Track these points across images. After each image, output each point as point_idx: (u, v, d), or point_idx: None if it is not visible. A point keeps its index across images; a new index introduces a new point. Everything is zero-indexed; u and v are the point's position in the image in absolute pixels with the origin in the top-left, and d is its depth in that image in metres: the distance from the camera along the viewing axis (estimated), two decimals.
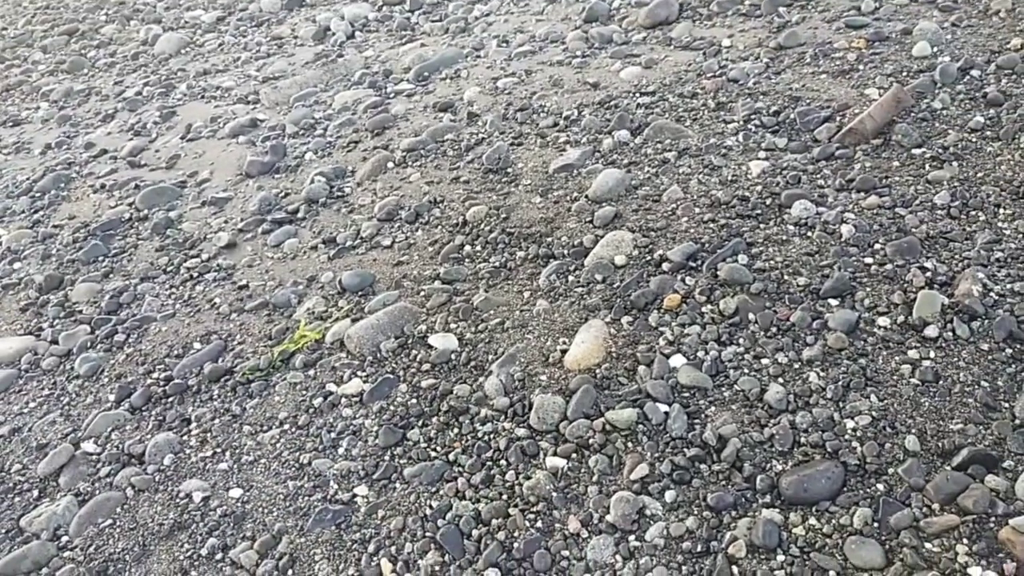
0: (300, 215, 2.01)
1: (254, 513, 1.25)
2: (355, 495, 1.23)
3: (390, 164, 2.12)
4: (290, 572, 1.14)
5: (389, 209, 1.90)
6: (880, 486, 1.04)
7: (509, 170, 1.94)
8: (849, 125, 1.73)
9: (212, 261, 1.93)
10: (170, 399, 1.53)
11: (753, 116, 1.85)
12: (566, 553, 1.06)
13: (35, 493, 1.40)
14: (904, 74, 1.95)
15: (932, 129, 1.71)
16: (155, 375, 1.60)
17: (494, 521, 1.12)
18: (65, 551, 1.27)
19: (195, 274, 1.89)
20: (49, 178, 2.52)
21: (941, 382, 1.15)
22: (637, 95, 2.15)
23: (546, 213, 1.73)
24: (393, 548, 1.13)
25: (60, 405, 1.59)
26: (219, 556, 1.20)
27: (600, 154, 1.87)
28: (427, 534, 1.13)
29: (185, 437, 1.43)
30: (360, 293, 1.67)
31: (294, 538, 1.19)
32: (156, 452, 1.41)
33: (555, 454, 1.20)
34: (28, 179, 2.59)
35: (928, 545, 0.96)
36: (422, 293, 1.62)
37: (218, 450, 1.39)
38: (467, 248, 1.70)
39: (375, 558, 1.12)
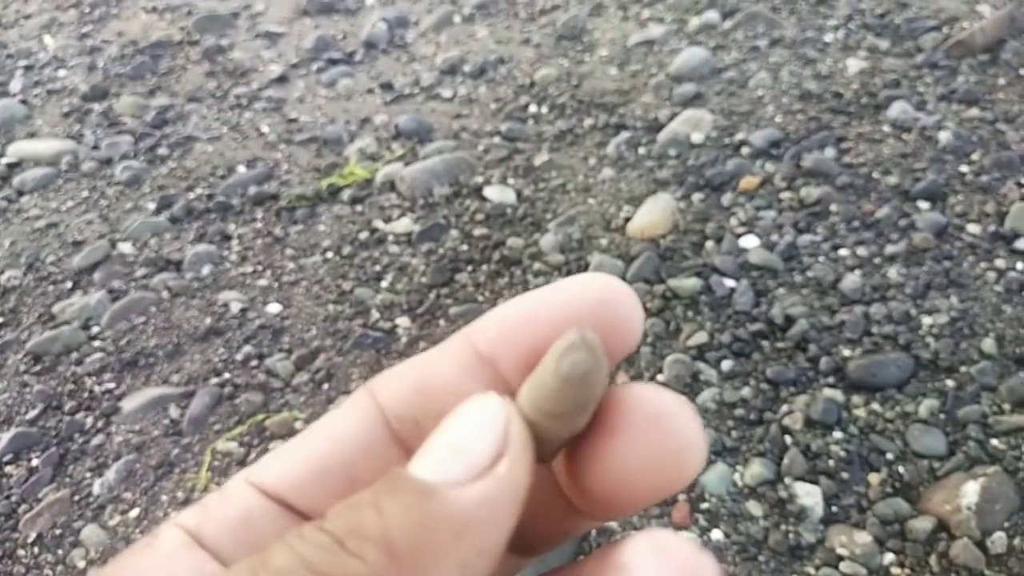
0: (358, 58, 1.92)
1: (292, 329, 1.22)
2: (396, 325, 1.20)
3: (457, 18, 2.00)
4: (326, 386, 1.12)
5: (453, 62, 1.81)
6: (950, 382, 0.99)
7: (585, 39, 1.82)
8: (958, 37, 1.61)
9: (263, 92, 1.85)
10: (212, 215, 1.49)
11: (856, 15, 1.72)
12: None
13: (68, 285, 1.38)
14: None
15: None
16: (198, 191, 1.55)
17: None
18: (95, 340, 1.26)
19: (244, 102, 1.82)
20: None
21: None
22: None
23: (621, 85, 1.64)
24: None
25: (98, 207, 1.55)
26: (254, 363, 1.17)
27: (685, 34, 1.76)
28: None
29: (226, 252, 1.40)
30: (415, 139, 1.60)
31: (332, 356, 1.17)
32: (195, 261, 1.37)
33: None
34: None
35: (994, 441, 0.92)
36: (481, 147, 1.54)
37: (259, 267, 1.35)
38: (532, 109, 1.62)
39: None
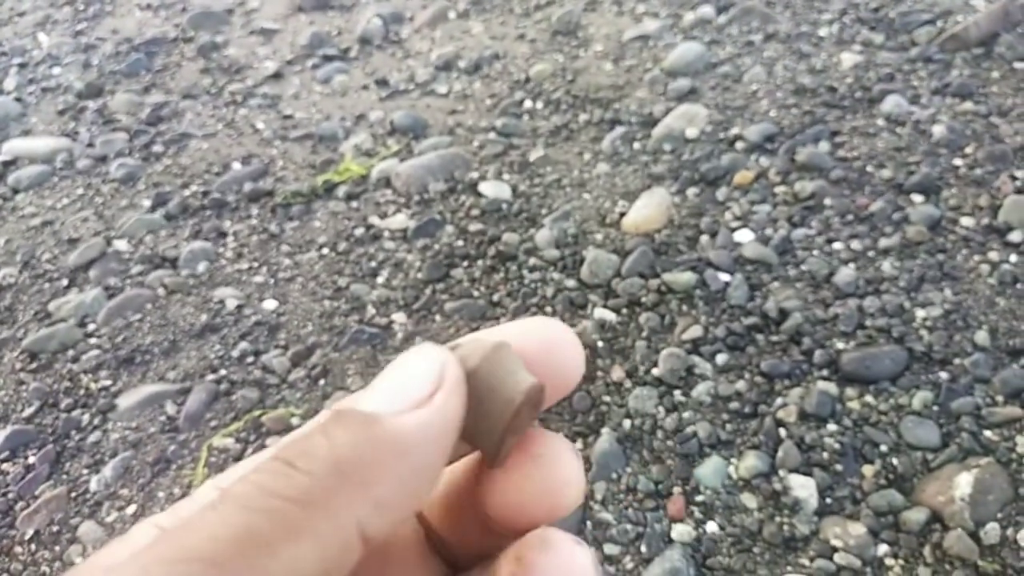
0: (353, 54, 1.91)
1: (288, 325, 1.23)
2: (392, 321, 1.20)
3: (452, 14, 2.00)
4: (322, 382, 1.12)
5: (448, 58, 1.80)
6: (944, 374, 0.99)
7: (579, 34, 1.82)
8: (952, 31, 1.61)
9: (258, 88, 1.85)
10: (207, 212, 1.49)
11: (850, 9, 1.72)
12: (607, 399, 1.04)
13: (64, 282, 1.38)
14: None
15: None
16: (193, 188, 1.55)
17: None
18: (92, 338, 1.26)
19: (239, 98, 1.81)
20: None
21: (1019, 285, 1.09)
22: None
23: (616, 80, 1.64)
24: None
25: (93, 205, 1.55)
26: (250, 360, 1.18)
27: (680, 29, 1.76)
28: None
29: (221, 249, 1.40)
30: (411, 135, 1.60)
31: (328, 352, 1.17)
32: (191, 258, 1.37)
33: (604, 307, 1.16)
34: None
35: (987, 433, 0.93)
36: (476, 142, 1.54)
37: (254, 264, 1.35)
38: (527, 104, 1.62)
39: None
